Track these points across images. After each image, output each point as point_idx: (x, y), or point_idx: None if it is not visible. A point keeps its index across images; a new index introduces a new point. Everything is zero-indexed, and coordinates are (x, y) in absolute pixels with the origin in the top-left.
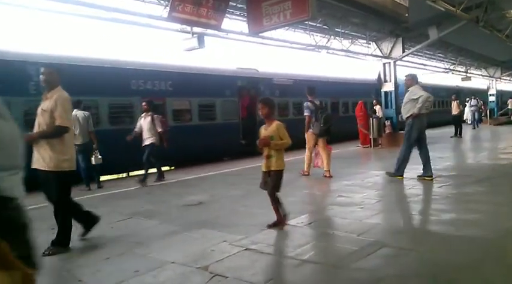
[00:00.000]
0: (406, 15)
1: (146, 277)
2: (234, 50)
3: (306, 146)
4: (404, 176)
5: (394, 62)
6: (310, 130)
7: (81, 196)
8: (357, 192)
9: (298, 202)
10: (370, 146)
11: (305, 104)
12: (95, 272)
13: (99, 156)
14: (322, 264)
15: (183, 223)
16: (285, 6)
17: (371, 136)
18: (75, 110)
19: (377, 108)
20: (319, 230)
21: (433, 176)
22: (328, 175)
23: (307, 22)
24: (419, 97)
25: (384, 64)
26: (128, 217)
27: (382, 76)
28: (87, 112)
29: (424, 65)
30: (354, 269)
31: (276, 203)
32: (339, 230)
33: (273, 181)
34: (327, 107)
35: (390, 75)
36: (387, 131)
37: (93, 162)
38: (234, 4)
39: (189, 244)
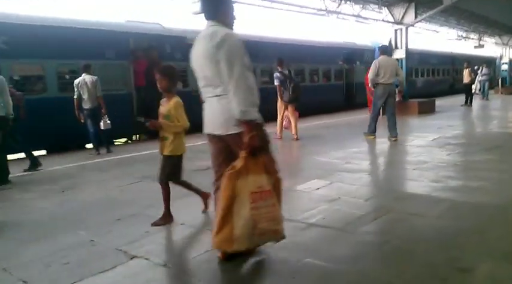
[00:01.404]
0: None
1: (157, 238)
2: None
3: (278, 112)
4: (397, 138)
5: (406, 28)
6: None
7: (90, 159)
8: (365, 159)
9: (306, 168)
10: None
11: (275, 75)
12: (106, 233)
13: (108, 121)
14: (329, 228)
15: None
16: None
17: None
18: (83, 75)
19: None
20: (327, 195)
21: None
22: (295, 138)
23: None
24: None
25: (396, 30)
26: (138, 181)
27: (393, 42)
28: (95, 77)
29: (437, 31)
30: (360, 233)
31: (167, 194)
32: (346, 195)
33: (165, 167)
34: (294, 76)
35: (401, 42)
36: (397, 99)
37: (102, 127)
38: None
39: (199, 206)
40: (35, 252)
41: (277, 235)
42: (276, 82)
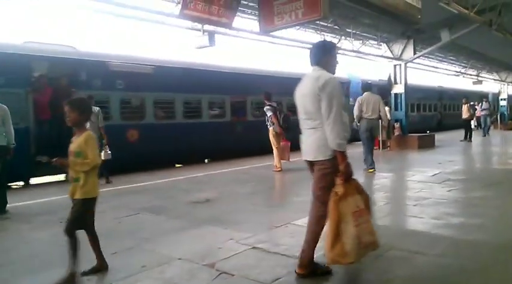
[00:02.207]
0: (419, 16)
1: (153, 273)
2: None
3: (272, 144)
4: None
5: (405, 64)
6: (271, 128)
7: None
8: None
9: (304, 202)
10: (379, 148)
11: (265, 108)
12: None
13: (109, 151)
14: (329, 265)
15: (191, 220)
16: (297, 5)
17: (380, 139)
18: None
19: (386, 109)
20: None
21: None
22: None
23: (318, 22)
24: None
25: (395, 66)
26: (136, 213)
27: (392, 78)
28: (97, 108)
29: (435, 67)
30: (362, 270)
31: (74, 248)
32: None
33: (73, 214)
34: (281, 109)
35: (401, 77)
36: (396, 133)
37: (103, 157)
38: (246, 2)
39: (196, 240)
40: None
41: (375, 246)
42: (269, 114)
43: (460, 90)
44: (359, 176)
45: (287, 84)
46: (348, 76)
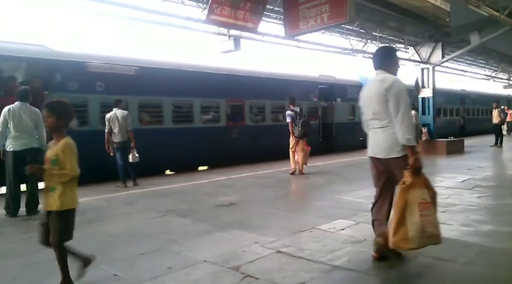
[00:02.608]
0: (447, 19)
1: (179, 274)
2: (268, 52)
3: (290, 148)
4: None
5: (433, 68)
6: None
7: (117, 192)
8: None
9: (327, 207)
10: None
11: (287, 112)
12: (130, 267)
13: (136, 154)
14: (354, 271)
15: (215, 223)
16: (323, 9)
17: None
18: (114, 109)
19: (413, 113)
20: (352, 236)
21: None
22: (300, 171)
23: (343, 25)
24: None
25: (422, 69)
26: (162, 215)
27: (419, 82)
28: (126, 111)
29: (464, 71)
30: (388, 278)
31: (64, 259)
32: (372, 237)
33: (56, 227)
34: (305, 113)
35: (428, 81)
36: (423, 138)
37: (131, 160)
38: (271, 7)
39: (221, 243)
40: None
41: (439, 239)
42: (288, 120)
43: (484, 93)
44: None
45: (286, 86)
46: (359, 79)
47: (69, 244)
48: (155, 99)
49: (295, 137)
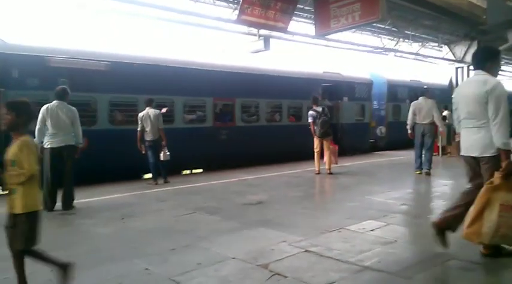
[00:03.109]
0: (484, 17)
1: (209, 270)
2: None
3: (314, 148)
4: (429, 172)
5: (468, 67)
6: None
7: (149, 189)
8: (422, 200)
9: (356, 207)
10: (438, 154)
11: (309, 113)
12: (161, 262)
13: (167, 153)
14: (384, 272)
15: (244, 221)
16: (354, 8)
17: (439, 144)
18: (147, 108)
19: (445, 113)
20: (382, 237)
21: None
22: (328, 171)
23: (375, 24)
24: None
25: (457, 68)
26: (192, 212)
27: (454, 81)
28: (158, 110)
29: (502, 70)
30: (418, 280)
31: (21, 267)
32: (402, 239)
33: (20, 231)
34: (327, 112)
35: (463, 80)
36: (457, 139)
37: (162, 158)
38: (301, 6)
39: (249, 241)
40: (91, 277)
41: (511, 241)
42: (310, 120)
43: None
44: (410, 176)
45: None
46: (370, 76)
47: (41, 249)
48: (129, 97)
49: (317, 136)
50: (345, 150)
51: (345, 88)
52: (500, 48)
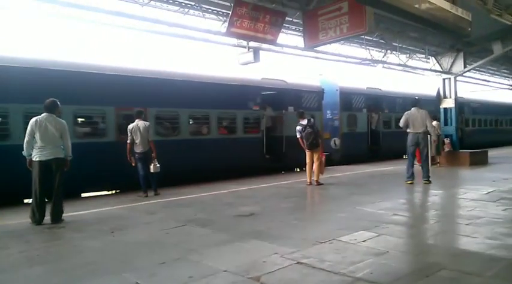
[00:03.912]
0: (469, 29)
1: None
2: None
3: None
4: (429, 181)
5: (455, 78)
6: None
7: (138, 202)
8: (414, 211)
9: (348, 218)
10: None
11: (296, 128)
12: (151, 276)
13: (158, 165)
14: (376, 283)
15: (235, 233)
16: (342, 20)
17: (430, 154)
18: (136, 120)
19: (434, 123)
20: (374, 248)
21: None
22: (316, 183)
23: (363, 36)
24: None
25: (444, 79)
26: (183, 224)
27: (441, 92)
28: (147, 122)
29: (487, 81)
30: None
31: None
32: (394, 249)
33: None
34: (312, 124)
35: (450, 91)
36: (446, 149)
37: (152, 170)
38: (290, 19)
39: (241, 254)
40: None
41: None
42: (298, 135)
43: (486, 102)
44: (401, 186)
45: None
46: (321, 83)
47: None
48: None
49: (307, 149)
50: (283, 166)
51: (291, 97)
52: (485, 59)
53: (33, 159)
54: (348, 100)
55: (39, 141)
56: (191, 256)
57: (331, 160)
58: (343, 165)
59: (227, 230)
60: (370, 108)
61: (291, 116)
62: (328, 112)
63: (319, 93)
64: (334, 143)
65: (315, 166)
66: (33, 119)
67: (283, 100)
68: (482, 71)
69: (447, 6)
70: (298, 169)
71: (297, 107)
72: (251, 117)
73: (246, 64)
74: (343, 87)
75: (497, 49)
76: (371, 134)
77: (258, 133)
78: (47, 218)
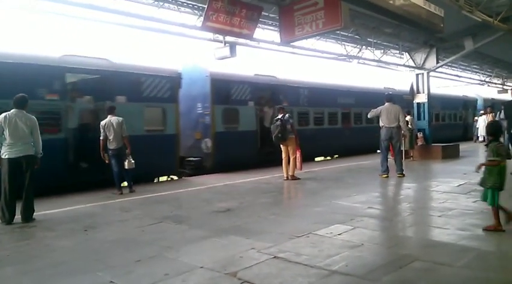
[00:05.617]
0: (441, 25)
1: (176, 281)
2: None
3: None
4: (403, 174)
5: (428, 73)
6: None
7: (113, 199)
8: (388, 204)
9: (324, 212)
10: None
11: (273, 125)
12: (126, 274)
13: (132, 161)
14: (351, 276)
15: (212, 229)
16: (318, 15)
17: (402, 148)
18: (109, 116)
19: (408, 118)
20: (349, 241)
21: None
22: (292, 177)
23: (339, 32)
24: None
25: (417, 75)
26: (159, 221)
27: (414, 87)
28: (120, 118)
29: (459, 76)
30: (385, 282)
31: None
32: (369, 242)
33: None
34: (283, 118)
35: (423, 86)
36: (419, 143)
37: (126, 167)
38: (267, 14)
39: (218, 249)
40: None
41: None
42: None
43: (448, 96)
44: (375, 180)
45: None
46: (182, 68)
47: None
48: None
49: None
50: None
51: (119, 83)
52: (457, 55)
53: (2, 157)
54: (225, 90)
55: (8, 137)
56: (167, 253)
57: (201, 168)
58: (216, 172)
59: (204, 227)
60: (261, 101)
61: (122, 108)
62: (199, 105)
63: (172, 80)
64: (206, 145)
65: (291, 160)
66: (2, 115)
67: (108, 86)
68: (454, 67)
69: (420, 2)
70: None
71: (135, 97)
72: (48, 110)
73: (223, 59)
74: (215, 73)
75: (469, 45)
76: (262, 134)
77: (57, 133)
78: (18, 217)
